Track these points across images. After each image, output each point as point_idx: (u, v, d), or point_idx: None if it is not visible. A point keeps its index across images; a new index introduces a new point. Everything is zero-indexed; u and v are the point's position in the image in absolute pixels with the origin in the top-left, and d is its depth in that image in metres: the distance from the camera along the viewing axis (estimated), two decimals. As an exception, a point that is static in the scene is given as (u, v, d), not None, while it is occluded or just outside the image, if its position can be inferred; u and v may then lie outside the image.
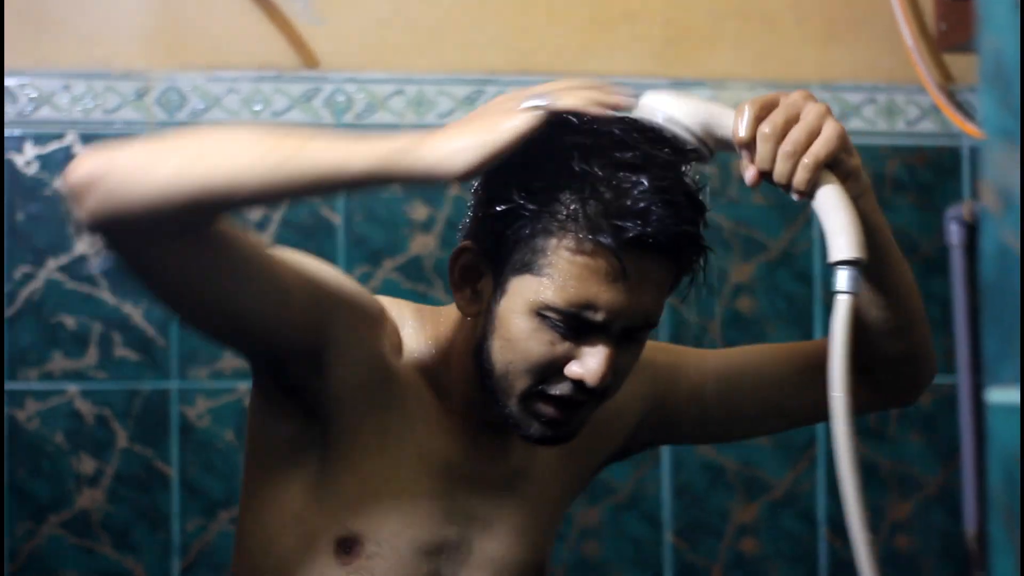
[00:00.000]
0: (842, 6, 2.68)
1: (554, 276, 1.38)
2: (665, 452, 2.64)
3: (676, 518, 2.64)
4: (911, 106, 2.69)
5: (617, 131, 1.38)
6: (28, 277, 2.52)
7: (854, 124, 2.67)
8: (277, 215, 2.56)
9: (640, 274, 1.38)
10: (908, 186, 2.69)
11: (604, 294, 1.38)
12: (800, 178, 1.37)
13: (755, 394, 1.71)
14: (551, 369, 1.42)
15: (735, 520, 2.66)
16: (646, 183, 1.36)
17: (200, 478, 2.54)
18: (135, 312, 2.53)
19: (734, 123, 1.38)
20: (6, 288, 2.51)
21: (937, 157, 2.69)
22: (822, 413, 1.47)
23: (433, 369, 1.56)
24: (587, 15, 2.64)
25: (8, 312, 2.51)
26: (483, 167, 1.28)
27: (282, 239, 2.55)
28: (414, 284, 2.58)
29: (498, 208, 1.41)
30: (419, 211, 2.60)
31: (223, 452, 2.55)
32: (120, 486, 2.53)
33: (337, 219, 2.57)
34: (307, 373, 1.49)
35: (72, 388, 2.53)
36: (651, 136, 1.39)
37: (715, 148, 1.41)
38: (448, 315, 1.56)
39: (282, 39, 2.58)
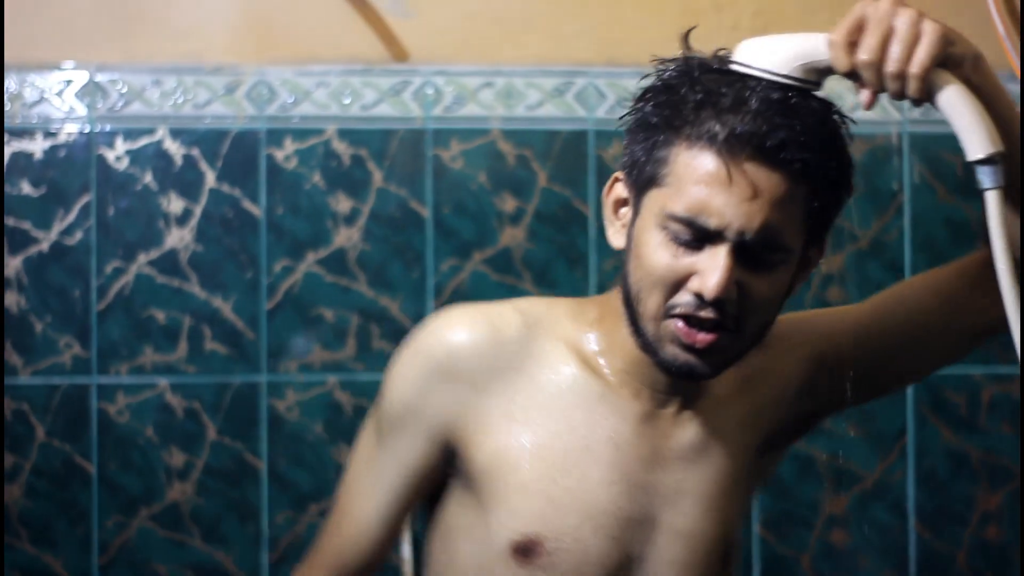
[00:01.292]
0: (933, -6, 2.67)
1: (673, 184, 1.44)
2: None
3: (764, 510, 2.63)
4: (1003, 94, 2.67)
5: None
6: (119, 272, 2.53)
7: (945, 113, 2.66)
8: (366, 208, 2.57)
9: (752, 183, 1.42)
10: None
11: (716, 198, 1.42)
12: (913, 89, 1.37)
13: (908, 335, 1.68)
14: (675, 283, 1.45)
15: (824, 511, 2.65)
16: (763, 95, 1.41)
17: (289, 471, 2.54)
18: (225, 306, 2.54)
19: (831, 53, 1.41)
20: (96, 283, 2.52)
21: (1029, 145, 2.67)
22: (964, 344, 1.64)
23: (593, 354, 1.58)
24: (676, 5, 2.63)
25: (99, 307, 2.52)
26: None
27: (371, 233, 2.56)
28: (502, 276, 2.58)
29: (634, 129, 1.50)
30: (508, 203, 2.60)
31: (312, 445, 2.55)
32: (210, 479, 2.53)
33: (426, 212, 2.57)
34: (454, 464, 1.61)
35: (162, 382, 2.54)
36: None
37: (821, 79, 1.43)
38: (608, 298, 1.60)
39: (371, 32, 2.58)
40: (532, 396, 1.56)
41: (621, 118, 1.53)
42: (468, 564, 1.58)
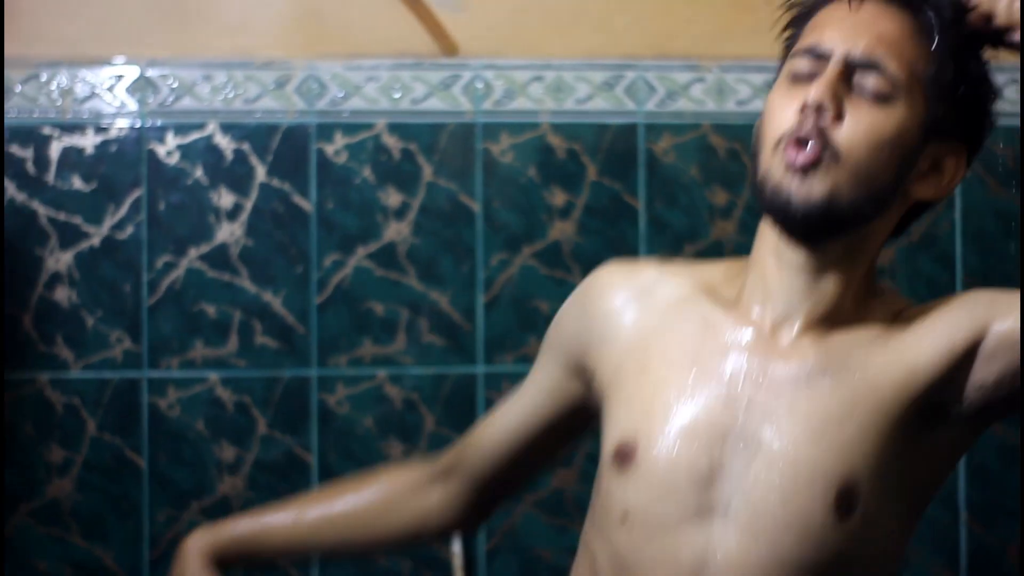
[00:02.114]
0: (985, -14, 2.66)
1: (805, 30, 1.57)
2: None
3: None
4: (1055, 86, 2.66)
5: None
6: (169, 266, 2.54)
7: (997, 105, 2.64)
8: (415, 202, 2.57)
9: (872, 13, 1.51)
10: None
11: (832, 23, 1.52)
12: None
13: None
14: (788, 115, 1.50)
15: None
16: None
17: (339, 465, 2.54)
18: (275, 300, 2.55)
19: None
20: (147, 277, 2.53)
21: (1081, 138, 2.66)
22: None
23: (719, 283, 1.61)
24: (727, -2, 2.63)
25: (149, 301, 2.53)
26: None
27: (420, 227, 2.56)
28: (552, 270, 2.58)
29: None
30: (558, 197, 2.59)
31: (362, 439, 2.55)
32: (260, 473, 2.54)
33: (475, 206, 2.57)
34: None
35: (213, 376, 2.54)
36: None
37: None
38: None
39: (421, 27, 2.58)
40: (651, 316, 1.60)
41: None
42: (597, 477, 1.62)
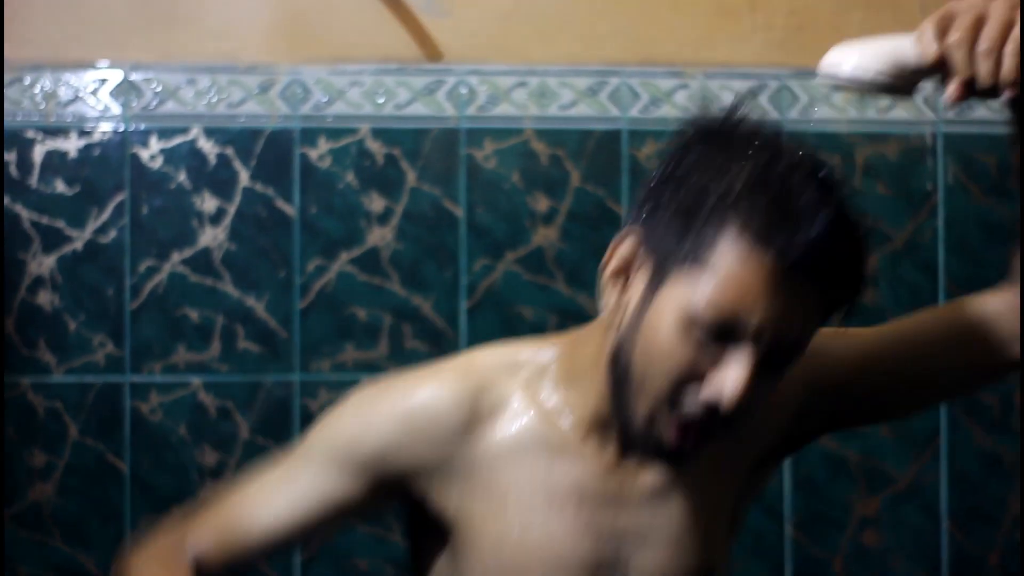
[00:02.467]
0: (968, -6, 2.67)
1: (716, 272, 1.36)
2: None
3: (796, 511, 2.63)
4: (1038, 94, 2.67)
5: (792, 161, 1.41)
6: (152, 270, 2.53)
7: (979, 112, 2.65)
8: (399, 208, 2.57)
9: (799, 295, 1.35)
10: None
11: (762, 302, 1.35)
12: (1009, 67, 1.30)
13: (915, 369, 1.62)
14: (688, 378, 1.39)
15: (857, 513, 2.64)
16: (824, 215, 1.35)
17: (322, 470, 2.54)
18: (258, 305, 2.54)
19: (919, 47, 1.35)
20: (130, 281, 2.53)
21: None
22: (978, 380, 1.55)
23: (554, 407, 1.54)
24: (711, 5, 2.63)
25: (132, 305, 2.53)
26: None
27: (404, 232, 2.56)
28: (535, 276, 2.58)
29: (670, 187, 1.40)
30: (541, 203, 2.59)
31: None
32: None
33: (459, 211, 2.57)
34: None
35: (195, 381, 2.54)
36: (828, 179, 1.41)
37: (912, 82, 1.38)
38: (574, 343, 1.55)
39: (405, 32, 2.58)
40: (491, 451, 1.53)
41: (653, 180, 1.44)
42: None
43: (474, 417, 1.53)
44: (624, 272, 1.45)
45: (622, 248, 1.44)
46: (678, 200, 1.39)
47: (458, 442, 1.52)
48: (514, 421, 1.53)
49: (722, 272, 1.36)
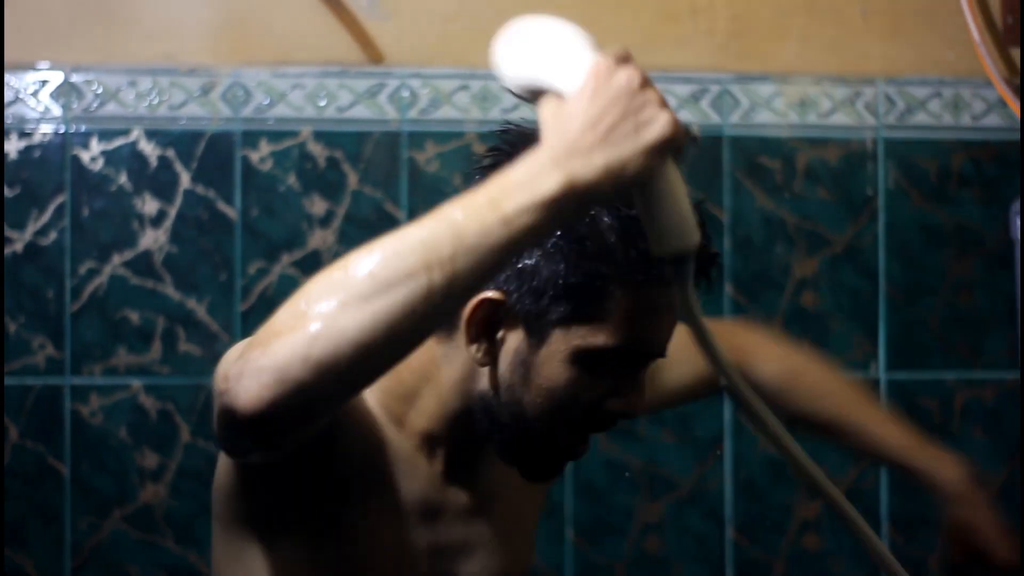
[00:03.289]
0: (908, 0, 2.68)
1: (605, 319, 1.39)
2: (728, 447, 2.63)
3: (739, 514, 2.63)
4: (977, 100, 2.68)
5: None
6: (93, 272, 2.52)
7: (920, 118, 2.67)
8: (341, 210, 2.57)
9: (670, 302, 1.40)
10: (973, 180, 2.68)
11: (654, 326, 1.42)
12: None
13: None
14: (592, 408, 1.44)
15: (798, 516, 2.65)
16: None
17: (263, 473, 2.54)
18: (199, 307, 2.54)
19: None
20: (70, 283, 2.52)
21: (1003, 151, 2.67)
22: None
23: (392, 412, 1.52)
24: (653, 9, 2.63)
25: (72, 307, 2.52)
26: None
27: (346, 235, 2.56)
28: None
29: (545, 258, 1.41)
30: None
31: (286, 447, 2.54)
32: (183, 481, 2.53)
33: (401, 214, 2.57)
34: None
35: (136, 383, 2.53)
36: None
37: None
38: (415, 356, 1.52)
39: (347, 35, 2.58)
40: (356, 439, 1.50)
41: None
42: None
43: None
44: (488, 334, 1.45)
45: (483, 313, 1.43)
46: (544, 265, 1.41)
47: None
48: (363, 414, 1.51)
49: (617, 315, 1.39)
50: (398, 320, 1.16)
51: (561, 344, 1.41)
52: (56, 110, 2.53)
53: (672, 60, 2.63)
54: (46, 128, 2.53)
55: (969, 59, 2.64)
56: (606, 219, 1.39)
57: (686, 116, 2.62)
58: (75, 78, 2.54)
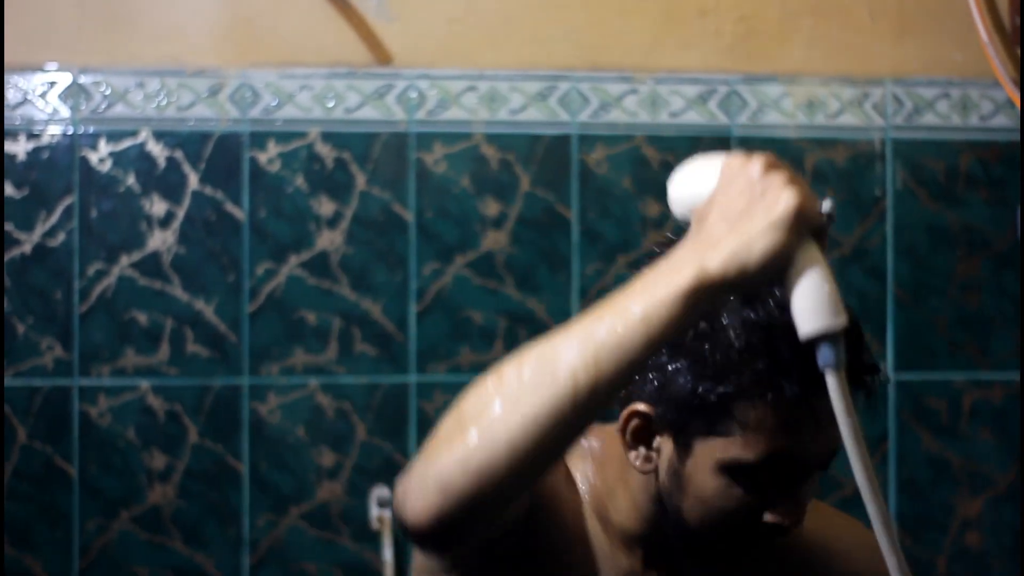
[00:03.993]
0: (916, 0, 2.68)
1: (738, 434, 1.38)
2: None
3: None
4: (985, 100, 2.68)
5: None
6: (101, 274, 2.53)
7: (927, 119, 2.66)
8: (348, 211, 2.57)
9: (818, 416, 1.37)
10: (981, 181, 2.68)
11: (794, 441, 1.38)
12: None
13: None
14: (748, 520, 1.42)
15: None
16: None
17: (271, 474, 2.54)
18: (207, 308, 2.54)
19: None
20: (79, 285, 2.52)
21: (1011, 152, 2.67)
22: None
23: (598, 508, 1.55)
24: (660, 10, 2.63)
25: (81, 308, 2.52)
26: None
27: (353, 236, 2.56)
28: (484, 280, 2.58)
29: (673, 373, 1.41)
30: (491, 207, 2.60)
31: (294, 448, 2.55)
32: (191, 482, 2.53)
33: (408, 215, 2.57)
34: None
35: (144, 384, 2.53)
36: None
37: None
38: (612, 445, 1.54)
39: (355, 36, 2.58)
40: (557, 524, 1.53)
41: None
42: None
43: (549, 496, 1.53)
44: (643, 442, 1.47)
45: (634, 424, 1.46)
46: (681, 376, 1.41)
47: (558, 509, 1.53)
48: (573, 506, 1.54)
49: (749, 431, 1.38)
50: (548, 423, 1.19)
51: (706, 456, 1.41)
52: (64, 111, 2.53)
53: (680, 61, 2.63)
54: (54, 129, 2.53)
55: (977, 60, 2.64)
56: (733, 330, 1.38)
57: (693, 117, 2.62)
58: (83, 79, 2.54)
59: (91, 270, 2.53)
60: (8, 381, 2.50)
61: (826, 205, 1.23)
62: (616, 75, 2.62)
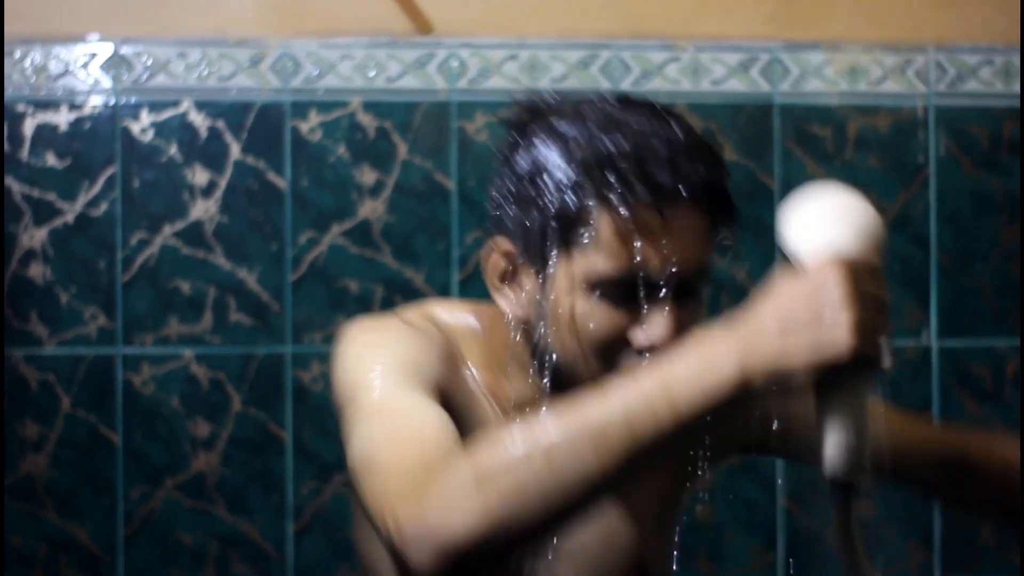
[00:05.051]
0: (959, -34, 2.67)
1: (600, 245, 1.40)
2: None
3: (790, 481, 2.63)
4: (1029, 67, 2.67)
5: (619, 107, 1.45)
6: (144, 243, 2.54)
7: (971, 86, 2.65)
8: (390, 180, 2.57)
9: (684, 227, 1.39)
10: (1025, 148, 2.67)
11: (655, 250, 1.39)
12: None
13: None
14: (616, 342, 1.42)
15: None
16: (666, 139, 1.40)
17: (314, 441, 2.55)
18: (249, 277, 2.55)
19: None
20: (121, 254, 2.53)
21: (1055, 118, 2.66)
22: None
23: (490, 374, 1.56)
24: (702, -23, 2.63)
25: (124, 278, 2.53)
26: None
27: (395, 205, 2.56)
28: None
29: (528, 196, 1.44)
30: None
31: (337, 416, 2.55)
32: (235, 450, 2.54)
33: (450, 184, 2.57)
34: None
35: (187, 353, 2.54)
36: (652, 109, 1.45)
37: None
38: (489, 324, 1.56)
39: (396, 5, 2.58)
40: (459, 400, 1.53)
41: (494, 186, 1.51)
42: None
43: (453, 362, 1.54)
44: (507, 275, 1.49)
45: (494, 260, 1.49)
46: (535, 198, 1.43)
47: (459, 378, 1.55)
48: (470, 385, 1.55)
49: (611, 239, 1.40)
50: (566, 506, 1.21)
51: (567, 277, 1.42)
52: (106, 82, 2.54)
53: (722, 28, 2.62)
54: (96, 100, 2.54)
55: (1020, 25, 2.62)
56: (587, 141, 1.41)
57: (735, 85, 2.61)
58: (125, 50, 2.55)
59: (134, 240, 2.54)
60: (52, 350, 2.52)
61: (885, 356, 1.16)
62: (658, 43, 2.61)
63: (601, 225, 1.39)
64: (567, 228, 1.41)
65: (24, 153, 2.52)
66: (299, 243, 2.55)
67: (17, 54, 2.52)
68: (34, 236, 2.52)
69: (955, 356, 2.64)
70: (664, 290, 1.40)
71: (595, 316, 1.41)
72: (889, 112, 2.64)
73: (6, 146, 2.52)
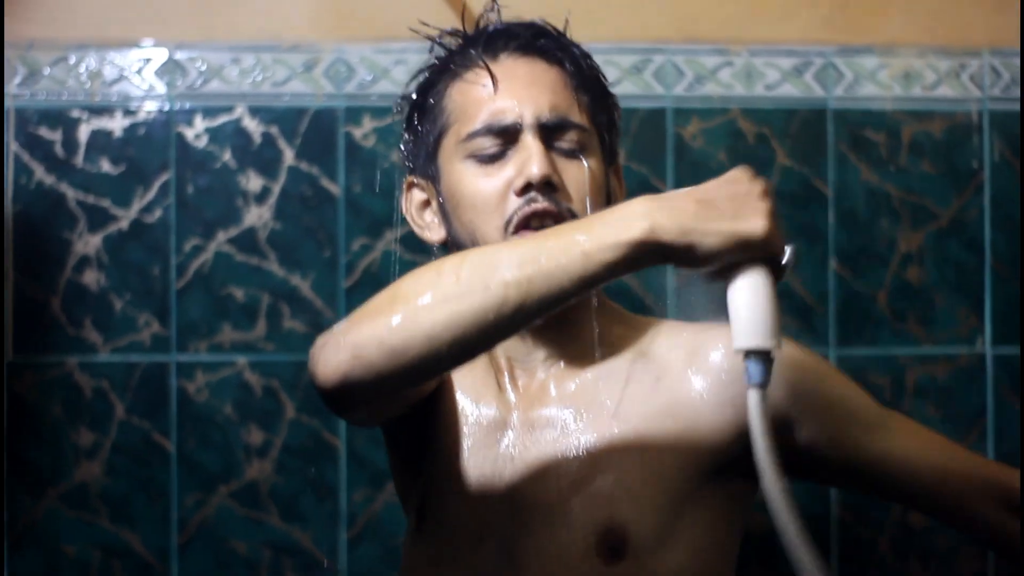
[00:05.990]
0: (1015, -31, 2.66)
1: (457, 115, 1.60)
2: None
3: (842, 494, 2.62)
4: (1085, 71, 2.66)
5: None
6: (197, 249, 2.54)
7: (1027, 90, 2.65)
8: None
9: (524, 73, 1.59)
10: (1078, 152, 2.66)
11: (501, 96, 1.57)
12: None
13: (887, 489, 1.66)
14: (502, 196, 1.55)
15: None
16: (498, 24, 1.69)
17: (367, 449, 2.54)
18: (303, 284, 2.55)
19: None
20: (175, 260, 2.53)
21: (1111, 122, 2.65)
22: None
23: None
24: (757, -19, 2.62)
25: (178, 284, 2.53)
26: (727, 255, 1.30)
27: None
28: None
29: (412, 125, 1.70)
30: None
31: (390, 423, 2.55)
32: (288, 457, 2.54)
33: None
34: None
35: (241, 360, 2.54)
36: None
37: None
38: None
39: (449, 10, 2.57)
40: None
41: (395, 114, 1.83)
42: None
43: None
44: (424, 205, 1.70)
45: (411, 199, 1.71)
46: (413, 119, 1.73)
47: None
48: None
49: (462, 105, 1.61)
50: (468, 324, 1.30)
51: (447, 158, 1.61)
52: (160, 87, 2.54)
53: (776, 33, 2.61)
54: (150, 106, 2.54)
55: (1021, 25, 2.61)
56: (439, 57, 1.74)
57: (788, 89, 2.61)
58: (179, 56, 2.55)
59: (188, 246, 2.54)
60: (106, 357, 2.52)
61: (788, 253, 1.32)
62: (711, 47, 2.61)
63: (453, 97, 1.61)
64: (434, 120, 1.62)
65: (79, 159, 2.52)
66: (353, 249, 2.55)
67: (72, 59, 2.53)
68: (88, 243, 2.52)
69: (1010, 363, 2.63)
70: (523, 133, 1.56)
71: (476, 179, 1.56)
72: (943, 117, 2.63)
73: (61, 152, 2.52)
